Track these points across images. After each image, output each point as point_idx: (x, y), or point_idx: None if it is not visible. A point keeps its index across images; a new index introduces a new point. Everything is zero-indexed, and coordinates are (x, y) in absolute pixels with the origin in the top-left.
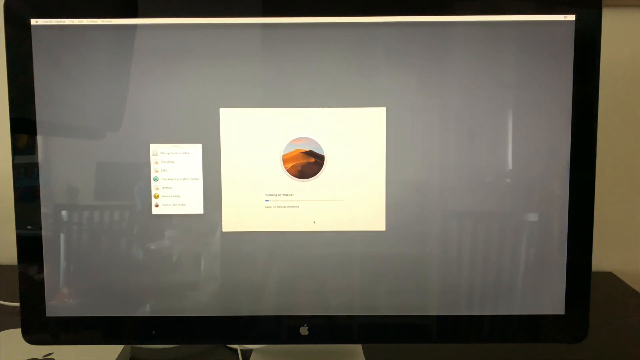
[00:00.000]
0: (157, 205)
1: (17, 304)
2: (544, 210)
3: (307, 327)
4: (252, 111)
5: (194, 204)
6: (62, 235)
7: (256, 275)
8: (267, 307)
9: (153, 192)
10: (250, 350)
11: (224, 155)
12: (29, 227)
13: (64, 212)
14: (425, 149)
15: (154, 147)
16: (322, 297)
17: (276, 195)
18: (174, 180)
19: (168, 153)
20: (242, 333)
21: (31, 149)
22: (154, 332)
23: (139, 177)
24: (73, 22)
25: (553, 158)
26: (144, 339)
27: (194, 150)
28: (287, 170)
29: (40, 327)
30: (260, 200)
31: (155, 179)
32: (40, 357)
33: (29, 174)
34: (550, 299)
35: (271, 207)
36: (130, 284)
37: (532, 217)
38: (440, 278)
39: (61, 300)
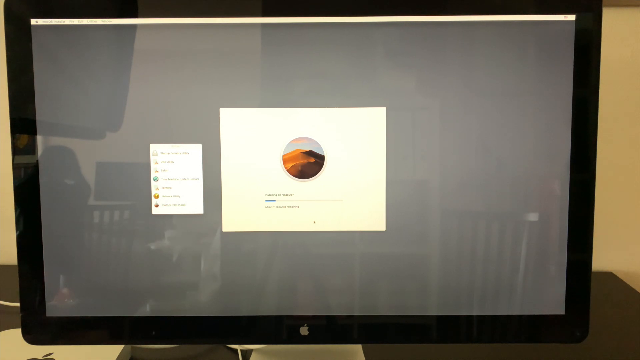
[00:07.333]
0: (157, 205)
1: (17, 304)
2: (544, 210)
3: (307, 327)
4: (252, 111)
5: (194, 204)
6: (62, 235)
7: (256, 275)
8: (267, 307)
9: (153, 192)
10: (250, 350)
11: (224, 155)
12: (29, 227)
13: (64, 212)
14: (425, 148)
15: (154, 147)
16: (322, 297)
17: (276, 195)
18: (174, 180)
19: (168, 153)
20: (242, 333)
21: (31, 149)
22: (154, 332)
23: (139, 177)
24: (73, 22)
25: (553, 158)
26: (144, 339)
27: (194, 150)
28: (287, 170)
29: (40, 327)
30: (260, 200)
31: (155, 179)
32: (40, 357)
33: (29, 174)
34: (550, 299)
35: (271, 207)
36: (130, 283)
37: (532, 217)
38: (440, 278)
39: (61, 300)
